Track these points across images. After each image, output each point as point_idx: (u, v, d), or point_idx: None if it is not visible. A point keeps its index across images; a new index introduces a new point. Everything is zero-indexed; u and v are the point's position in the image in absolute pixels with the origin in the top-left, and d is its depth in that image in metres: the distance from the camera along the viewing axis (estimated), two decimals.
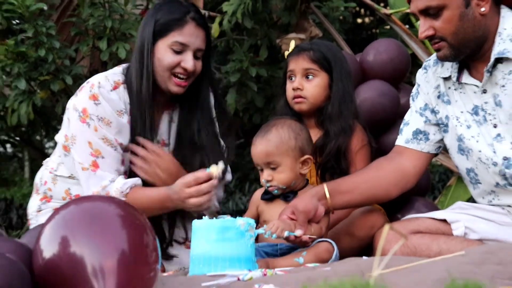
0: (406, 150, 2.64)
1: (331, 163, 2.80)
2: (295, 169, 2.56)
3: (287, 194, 2.58)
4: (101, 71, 4.71)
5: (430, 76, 2.62)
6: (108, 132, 2.70)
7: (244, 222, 2.27)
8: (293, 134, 2.57)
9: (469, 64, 2.50)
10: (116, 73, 2.80)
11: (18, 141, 5.78)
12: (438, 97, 2.59)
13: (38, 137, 6.01)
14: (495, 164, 2.43)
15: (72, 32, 4.13)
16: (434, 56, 2.64)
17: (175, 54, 2.70)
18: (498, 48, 2.40)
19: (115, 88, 2.76)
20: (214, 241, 2.24)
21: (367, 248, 2.65)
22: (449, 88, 2.55)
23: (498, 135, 2.43)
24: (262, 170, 2.58)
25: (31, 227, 2.84)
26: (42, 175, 2.95)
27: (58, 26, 4.18)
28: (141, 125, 2.72)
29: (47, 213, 2.84)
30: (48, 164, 2.95)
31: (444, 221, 2.52)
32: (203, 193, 2.52)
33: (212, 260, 2.23)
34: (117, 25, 3.92)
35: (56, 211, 1.85)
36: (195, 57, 2.73)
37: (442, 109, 2.57)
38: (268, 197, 2.60)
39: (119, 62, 4.31)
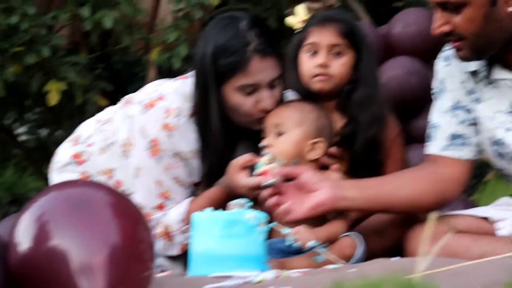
0: (441, 159, 2.52)
1: (364, 156, 2.72)
2: (301, 146, 2.52)
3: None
4: (83, 44, 4.73)
5: (454, 69, 2.52)
6: (182, 170, 2.61)
7: (254, 215, 2.22)
8: (316, 112, 2.56)
9: (500, 55, 2.40)
10: (190, 90, 2.64)
11: None
12: (467, 94, 2.50)
13: (8, 121, 5.94)
14: None
15: None
16: None
17: (247, 96, 2.57)
18: None
19: (194, 114, 2.63)
20: (219, 237, 2.20)
21: (395, 250, 2.58)
22: (477, 83, 2.47)
23: None
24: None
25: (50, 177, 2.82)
26: (92, 132, 2.82)
27: None
28: (217, 169, 2.59)
29: (70, 175, 2.74)
30: (104, 127, 2.80)
31: (486, 219, 2.46)
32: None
33: (216, 259, 2.19)
34: None
35: (35, 198, 1.80)
36: (272, 87, 2.60)
37: (473, 108, 2.49)
38: None
39: (104, 33, 4.25)
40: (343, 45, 2.74)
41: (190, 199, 2.63)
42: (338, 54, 2.73)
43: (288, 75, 2.79)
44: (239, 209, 2.27)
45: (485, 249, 2.32)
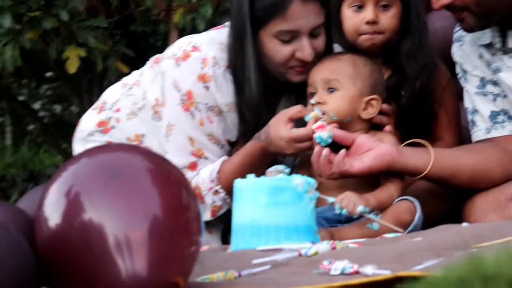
0: (494, 140, 2.42)
1: (414, 108, 2.55)
2: (355, 104, 2.37)
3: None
4: (101, 7, 4.55)
5: (468, 48, 2.46)
6: (217, 126, 2.48)
7: (302, 180, 2.07)
8: (370, 66, 2.42)
9: (511, 21, 2.32)
10: (225, 43, 2.51)
11: None
12: (487, 67, 2.42)
13: (25, 90, 5.79)
14: None
15: None
16: None
17: (285, 44, 2.43)
18: None
19: (228, 66, 2.49)
20: (265, 206, 2.05)
21: (451, 217, 2.40)
22: (494, 54, 2.40)
23: None
24: (313, 95, 2.39)
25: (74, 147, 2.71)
26: (118, 97, 2.70)
27: None
28: (252, 123, 2.47)
29: (95, 144, 2.52)
30: (132, 91, 2.68)
31: None
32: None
33: (263, 231, 2.04)
34: None
35: (63, 166, 1.64)
36: (313, 36, 2.45)
37: (497, 79, 2.41)
38: None
39: None
40: None
41: (223, 157, 2.50)
42: (386, 7, 2.56)
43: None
44: (283, 175, 2.10)
45: None
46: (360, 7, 2.57)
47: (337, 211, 2.17)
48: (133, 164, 1.60)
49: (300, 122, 2.35)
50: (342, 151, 2.20)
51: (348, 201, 2.16)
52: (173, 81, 2.49)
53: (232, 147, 2.56)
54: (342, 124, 2.34)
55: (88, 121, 2.71)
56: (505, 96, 2.40)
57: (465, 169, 2.31)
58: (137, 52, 4.69)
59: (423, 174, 2.26)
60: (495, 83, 2.41)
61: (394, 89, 2.57)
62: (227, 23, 2.57)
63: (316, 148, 2.22)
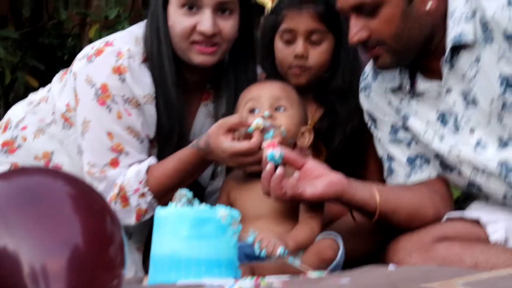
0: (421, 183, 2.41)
1: (344, 152, 2.51)
2: (298, 129, 2.34)
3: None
4: (10, 19, 4.38)
5: (375, 95, 2.44)
6: (136, 119, 2.38)
7: (226, 213, 1.98)
8: (299, 98, 2.39)
9: (421, 64, 2.32)
10: (141, 36, 2.47)
11: None
12: (396, 113, 2.41)
13: None
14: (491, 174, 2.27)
15: None
16: (369, 67, 2.47)
17: (188, 16, 2.37)
18: (453, 32, 2.22)
19: (144, 60, 2.43)
20: (187, 238, 1.95)
21: (371, 258, 2.36)
22: (402, 100, 2.38)
23: (479, 142, 2.26)
24: (252, 111, 2.34)
25: None
26: (23, 116, 2.57)
27: None
28: (167, 117, 2.41)
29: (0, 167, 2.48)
30: (39, 107, 2.56)
31: (477, 222, 2.29)
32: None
33: (183, 263, 1.94)
34: None
35: None
36: (219, 11, 2.39)
37: (407, 125, 2.40)
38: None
39: (38, 5, 3.97)
40: (322, 30, 2.52)
41: (151, 159, 2.41)
42: (317, 41, 2.51)
43: (263, 59, 2.57)
44: (185, 199, 2.01)
45: (479, 259, 2.19)
46: (291, 41, 2.53)
47: (256, 252, 2.10)
48: (53, 189, 1.50)
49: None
50: (296, 174, 2.13)
51: (268, 242, 2.09)
52: (86, 77, 2.38)
53: (151, 144, 2.47)
54: (286, 144, 2.27)
55: None
56: (417, 142, 2.38)
57: (403, 206, 2.27)
58: (47, 65, 4.55)
59: (375, 209, 2.22)
60: (406, 129, 2.39)
61: (326, 130, 2.54)
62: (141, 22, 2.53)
63: (268, 166, 2.13)
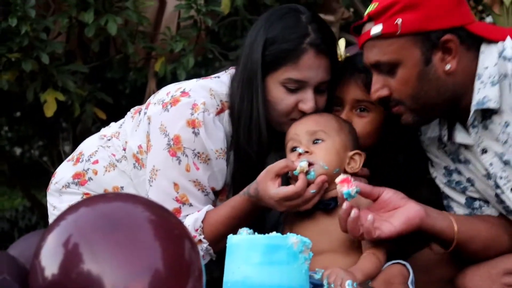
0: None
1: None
2: (341, 156, 2.34)
3: (328, 201, 2.31)
4: (78, 54, 4.50)
5: (426, 138, 2.42)
6: (203, 173, 2.42)
7: (297, 240, 2.01)
8: (349, 125, 2.41)
9: (457, 115, 2.27)
10: (221, 83, 2.50)
11: None
12: (448, 156, 2.38)
13: None
14: None
15: None
16: None
17: (290, 93, 2.41)
18: (478, 96, 2.18)
19: (220, 112, 2.46)
20: (258, 265, 1.98)
21: None
22: (445, 147, 2.36)
23: None
24: (294, 150, 2.35)
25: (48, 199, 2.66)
26: (95, 150, 2.64)
27: None
28: (242, 180, 2.42)
29: (71, 197, 2.54)
30: (111, 142, 2.63)
31: None
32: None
33: None
34: None
35: (62, 215, 1.58)
36: (317, 91, 2.44)
37: (459, 169, 2.37)
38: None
39: (106, 40, 4.06)
40: (369, 102, 2.44)
41: (208, 206, 2.45)
42: (364, 112, 2.48)
43: None
44: (279, 233, 2.06)
45: None
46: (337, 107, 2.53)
47: (325, 287, 2.13)
48: (134, 214, 1.58)
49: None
50: (371, 217, 2.13)
51: (336, 276, 2.12)
52: (160, 126, 2.44)
53: (217, 196, 2.51)
54: (331, 176, 2.29)
55: (64, 173, 2.65)
56: (472, 185, 2.34)
57: (479, 235, 2.24)
58: (113, 97, 4.65)
59: (453, 238, 2.20)
60: (459, 172, 2.36)
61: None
62: (214, 75, 2.56)
63: (345, 205, 2.15)
